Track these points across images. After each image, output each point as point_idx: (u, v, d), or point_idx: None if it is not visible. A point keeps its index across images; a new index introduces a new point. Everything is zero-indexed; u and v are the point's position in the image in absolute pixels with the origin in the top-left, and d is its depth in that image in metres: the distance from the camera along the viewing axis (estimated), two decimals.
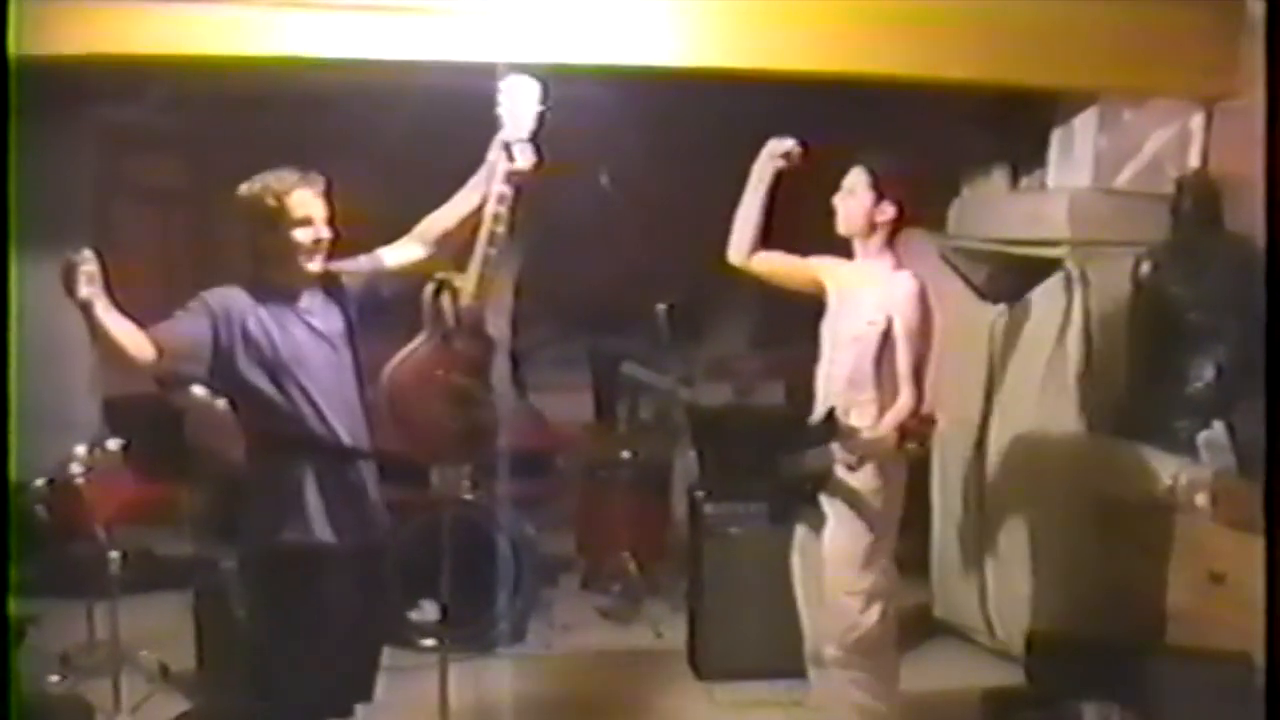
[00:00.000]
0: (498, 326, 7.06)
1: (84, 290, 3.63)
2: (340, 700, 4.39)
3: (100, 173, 7.88)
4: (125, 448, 5.41)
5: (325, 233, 4.19)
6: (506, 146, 4.48)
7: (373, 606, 4.41)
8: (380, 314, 4.44)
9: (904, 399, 4.59)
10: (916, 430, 4.51)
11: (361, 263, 4.42)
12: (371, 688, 4.48)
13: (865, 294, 4.74)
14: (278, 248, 4.13)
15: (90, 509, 5.34)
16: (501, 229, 4.52)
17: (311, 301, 4.23)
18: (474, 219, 4.54)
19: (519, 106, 4.49)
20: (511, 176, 4.49)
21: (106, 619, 5.37)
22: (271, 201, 4.08)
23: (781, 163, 4.91)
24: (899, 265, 4.77)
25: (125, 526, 5.57)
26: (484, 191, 4.52)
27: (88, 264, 3.64)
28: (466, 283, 4.64)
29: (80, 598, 5.71)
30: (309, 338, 4.18)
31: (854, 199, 4.76)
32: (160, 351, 3.90)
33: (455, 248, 4.61)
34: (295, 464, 4.16)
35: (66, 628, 5.80)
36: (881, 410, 4.62)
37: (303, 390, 4.14)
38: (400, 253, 4.51)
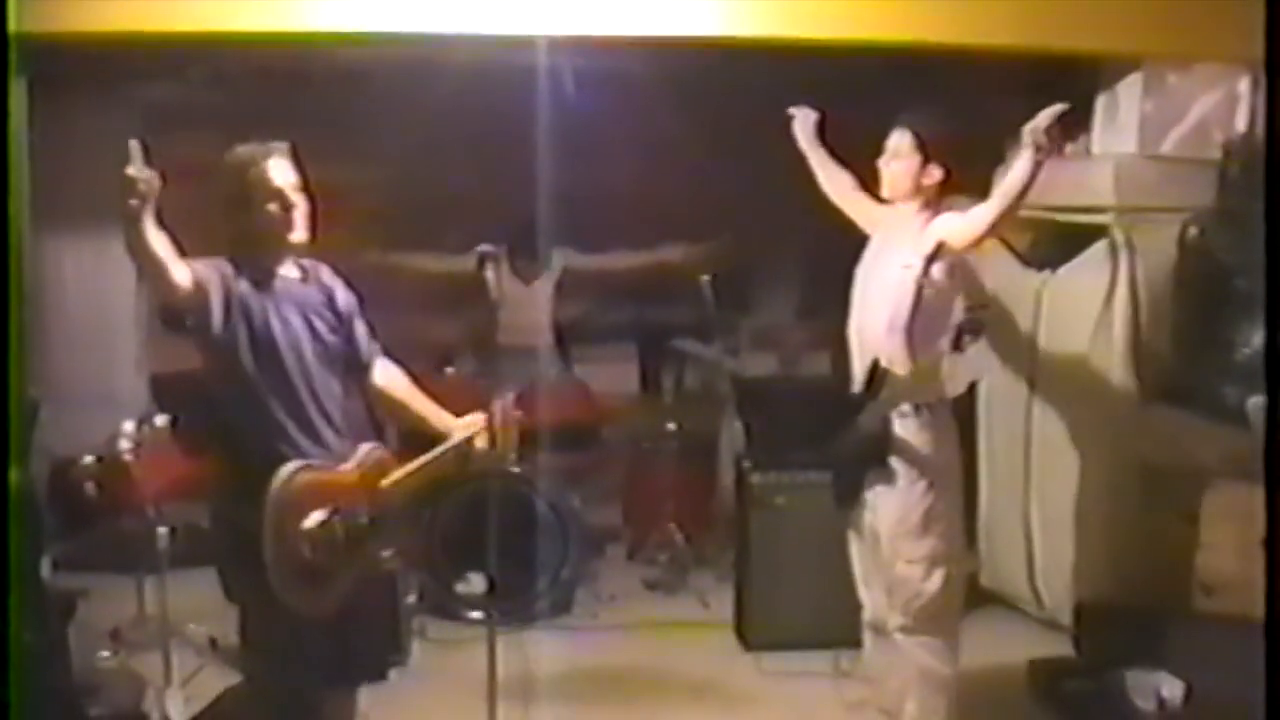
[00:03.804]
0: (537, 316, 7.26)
1: (133, 200, 3.48)
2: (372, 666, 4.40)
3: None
4: (173, 424, 5.44)
5: (301, 200, 3.98)
6: None
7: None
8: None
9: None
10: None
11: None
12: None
13: (902, 239, 4.69)
14: (259, 220, 3.93)
15: (139, 485, 5.38)
16: None
17: (288, 283, 4.03)
18: None
19: None
20: None
21: (156, 593, 5.43)
22: (253, 172, 3.91)
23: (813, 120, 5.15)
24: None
25: (173, 502, 5.61)
26: None
27: (146, 177, 3.49)
28: None
29: (130, 573, 5.77)
30: (296, 317, 4.00)
31: (899, 161, 4.68)
32: (195, 285, 3.74)
33: None
34: (286, 442, 3.97)
35: (116, 603, 5.86)
36: (913, 359, 4.53)
37: (302, 371, 3.98)
38: None
